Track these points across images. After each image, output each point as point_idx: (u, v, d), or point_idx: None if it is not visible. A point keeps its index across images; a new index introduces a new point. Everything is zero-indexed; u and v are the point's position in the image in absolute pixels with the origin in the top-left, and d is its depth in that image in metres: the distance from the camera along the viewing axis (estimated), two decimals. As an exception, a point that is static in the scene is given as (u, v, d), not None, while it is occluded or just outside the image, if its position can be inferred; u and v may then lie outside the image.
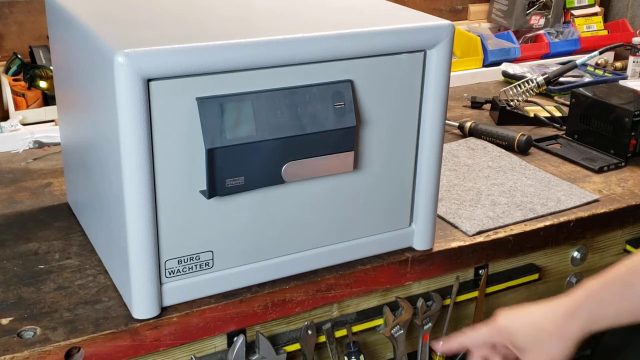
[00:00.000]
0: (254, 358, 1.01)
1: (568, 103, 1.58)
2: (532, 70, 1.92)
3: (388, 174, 1.03)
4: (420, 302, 1.13)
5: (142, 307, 0.91)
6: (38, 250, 1.08)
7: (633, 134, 1.42)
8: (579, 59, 1.78)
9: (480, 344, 0.94)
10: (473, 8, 2.19)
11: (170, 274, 0.92)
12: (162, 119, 0.85)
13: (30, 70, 1.56)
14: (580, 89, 1.54)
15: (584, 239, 1.29)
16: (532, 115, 1.64)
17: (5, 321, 0.91)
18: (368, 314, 1.11)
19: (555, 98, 1.80)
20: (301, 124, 0.91)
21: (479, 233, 1.16)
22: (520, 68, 1.94)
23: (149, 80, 0.82)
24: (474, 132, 1.55)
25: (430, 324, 1.15)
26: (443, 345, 0.97)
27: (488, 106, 1.73)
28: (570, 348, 0.87)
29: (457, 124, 1.58)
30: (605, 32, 2.19)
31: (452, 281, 1.17)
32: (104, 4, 1.03)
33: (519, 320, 0.90)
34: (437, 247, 1.11)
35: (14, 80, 1.58)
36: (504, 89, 1.74)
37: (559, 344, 0.86)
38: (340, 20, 0.99)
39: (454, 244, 1.12)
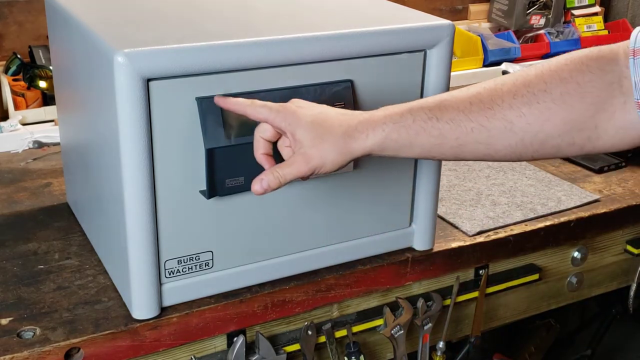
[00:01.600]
0: (253, 358, 1.01)
1: (568, 103, 1.58)
2: (532, 70, 1.91)
3: (388, 174, 1.03)
4: (420, 303, 1.13)
5: (141, 307, 0.91)
6: (38, 250, 1.07)
7: (633, 134, 1.41)
8: (579, 58, 1.77)
9: (262, 118, 0.83)
10: (473, 8, 2.19)
11: (170, 274, 0.92)
12: (162, 119, 0.85)
13: (29, 70, 1.56)
14: (581, 88, 1.54)
15: (584, 239, 1.29)
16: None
17: (4, 321, 0.91)
18: (368, 314, 1.11)
19: (556, 98, 1.80)
20: (301, 124, 0.91)
21: (479, 233, 1.16)
22: (520, 68, 1.94)
23: (149, 80, 0.82)
24: (474, 132, 1.54)
25: (430, 324, 1.15)
26: (220, 99, 0.85)
27: (488, 106, 1.72)
28: (347, 162, 0.81)
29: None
30: (605, 32, 2.19)
31: (453, 281, 1.17)
32: (104, 4, 1.03)
33: (308, 113, 0.82)
34: (438, 247, 1.11)
35: (14, 80, 1.58)
36: (504, 88, 1.73)
37: (337, 154, 0.80)
38: (340, 20, 0.99)
39: (454, 244, 1.12)
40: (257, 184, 0.82)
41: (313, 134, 0.81)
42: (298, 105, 0.84)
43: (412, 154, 0.82)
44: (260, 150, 0.85)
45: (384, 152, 0.82)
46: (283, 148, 0.85)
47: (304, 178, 0.83)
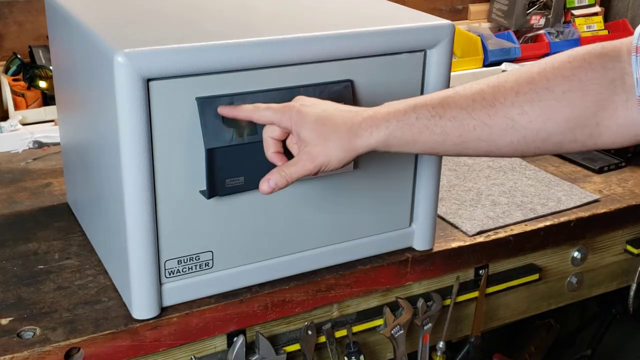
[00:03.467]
0: (253, 358, 1.01)
1: (568, 103, 1.58)
2: (532, 70, 1.91)
3: (388, 174, 1.03)
4: (420, 303, 1.13)
5: (141, 307, 0.91)
6: (38, 250, 1.07)
7: (633, 134, 1.41)
8: (579, 58, 1.77)
9: (266, 121, 0.84)
10: (473, 8, 2.19)
11: (170, 274, 0.92)
12: (162, 119, 0.85)
13: (29, 70, 1.56)
14: (581, 88, 1.54)
15: (584, 239, 1.29)
16: (532, 115, 1.64)
17: (4, 321, 0.91)
18: (368, 314, 1.11)
19: (556, 98, 1.80)
20: (301, 124, 0.91)
21: (479, 233, 1.16)
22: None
23: (149, 80, 0.82)
24: (474, 132, 1.54)
25: (430, 324, 1.15)
26: (224, 108, 0.86)
27: (488, 106, 1.72)
28: (351, 159, 0.82)
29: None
30: (605, 32, 2.19)
31: (453, 281, 1.17)
32: (104, 4, 1.03)
33: (312, 111, 0.82)
34: (438, 247, 1.11)
35: (14, 80, 1.58)
36: (504, 88, 1.73)
37: (342, 151, 0.81)
38: (340, 20, 0.99)
39: (454, 244, 1.12)
40: (264, 184, 0.84)
41: (317, 132, 0.81)
42: (302, 103, 0.84)
43: (415, 150, 0.83)
44: (271, 149, 0.86)
45: (388, 149, 0.82)
46: (292, 145, 0.86)
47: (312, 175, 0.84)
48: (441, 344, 1.18)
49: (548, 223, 1.20)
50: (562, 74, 0.76)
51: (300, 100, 0.85)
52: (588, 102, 0.76)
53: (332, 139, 0.81)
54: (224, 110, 0.86)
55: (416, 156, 1.03)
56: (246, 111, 0.85)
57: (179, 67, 0.83)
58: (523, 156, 0.82)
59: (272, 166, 0.91)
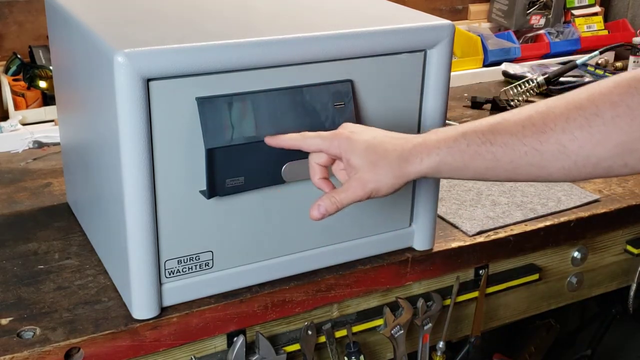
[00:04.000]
0: (253, 358, 1.01)
1: (568, 103, 1.58)
2: (533, 70, 1.92)
3: (388, 174, 1.03)
4: (420, 303, 1.13)
5: (141, 307, 0.91)
6: (38, 250, 1.07)
7: (633, 134, 1.41)
8: (580, 58, 1.78)
9: (316, 149, 0.86)
10: (473, 8, 2.19)
11: (170, 274, 0.92)
12: (162, 119, 0.85)
13: (29, 70, 1.56)
14: (581, 88, 1.54)
15: (584, 239, 1.29)
16: (532, 115, 1.64)
17: (4, 321, 0.91)
18: (368, 314, 1.11)
19: (556, 98, 1.80)
20: (301, 123, 0.91)
21: (479, 233, 1.16)
22: (520, 68, 1.94)
23: (149, 80, 0.82)
24: (474, 132, 1.54)
25: (430, 324, 1.15)
26: (271, 139, 0.88)
27: (488, 106, 1.72)
28: (402, 186, 0.83)
29: (458, 124, 1.57)
30: (605, 32, 2.19)
31: (453, 281, 1.17)
32: (104, 4, 1.03)
33: (362, 138, 0.84)
34: (438, 247, 1.11)
35: (14, 80, 1.58)
36: (505, 88, 1.73)
37: (393, 177, 0.82)
38: (340, 20, 0.99)
39: (454, 244, 1.12)
40: (314, 210, 0.85)
41: (368, 159, 0.83)
42: (351, 130, 0.85)
43: (465, 176, 0.83)
44: (318, 176, 0.88)
45: (438, 175, 0.83)
46: (338, 172, 0.88)
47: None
48: (441, 344, 1.18)
49: (548, 223, 1.20)
50: (610, 99, 0.77)
51: (348, 128, 0.86)
52: (636, 126, 0.76)
53: (382, 165, 0.82)
54: (271, 140, 0.88)
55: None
56: (294, 140, 0.87)
57: (179, 67, 0.83)
58: (574, 181, 0.83)
59: (273, 166, 0.91)
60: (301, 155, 0.92)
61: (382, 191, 0.83)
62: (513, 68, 1.93)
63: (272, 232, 0.97)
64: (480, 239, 1.15)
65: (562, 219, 1.21)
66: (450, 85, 1.02)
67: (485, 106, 1.74)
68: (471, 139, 0.81)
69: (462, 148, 0.81)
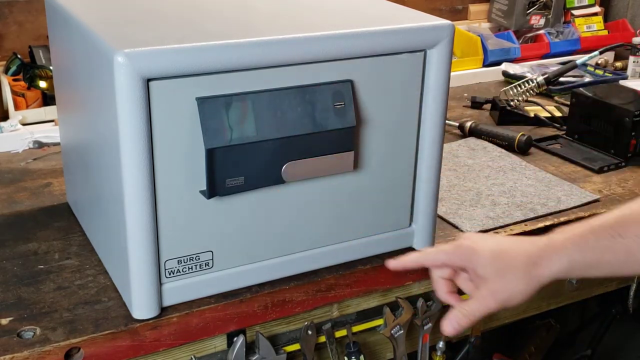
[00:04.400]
0: (253, 358, 1.01)
1: (568, 103, 1.58)
2: (533, 70, 1.92)
3: (388, 174, 1.03)
4: (420, 303, 1.13)
5: (141, 307, 0.91)
6: (38, 250, 1.08)
7: (633, 134, 1.42)
8: (579, 58, 1.78)
9: (440, 264, 0.87)
10: (473, 8, 2.19)
11: (170, 274, 0.92)
12: (162, 119, 0.85)
13: (30, 70, 1.56)
14: (581, 89, 1.54)
15: (584, 239, 1.29)
16: (532, 115, 1.64)
17: (5, 321, 0.91)
18: (368, 314, 1.11)
19: (556, 98, 1.80)
20: (301, 123, 0.91)
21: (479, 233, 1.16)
22: (520, 68, 1.94)
23: (149, 80, 0.82)
24: (474, 132, 1.55)
25: (430, 324, 1.15)
26: (395, 262, 0.89)
27: (488, 106, 1.73)
28: (535, 291, 0.81)
29: (457, 124, 1.58)
30: (605, 32, 2.19)
31: (452, 281, 1.17)
32: (104, 4, 1.03)
33: (486, 247, 0.83)
34: (437, 247, 1.11)
35: (14, 80, 1.58)
36: (504, 89, 1.73)
37: (524, 284, 0.80)
38: (340, 20, 0.99)
39: (454, 244, 1.12)
40: (448, 325, 0.83)
41: (495, 267, 0.81)
42: (472, 240, 0.85)
43: (598, 273, 0.81)
44: (444, 290, 0.88)
45: (569, 275, 0.82)
46: (463, 283, 0.87)
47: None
48: (441, 344, 1.18)
49: (548, 223, 1.20)
50: None
51: (469, 238, 0.85)
52: None
53: (511, 272, 0.81)
54: (393, 264, 0.89)
55: (416, 155, 1.04)
56: (416, 260, 0.87)
57: (179, 67, 0.83)
58: None
59: (273, 166, 0.91)
60: (301, 155, 0.92)
61: (514, 300, 0.81)
62: (513, 68, 1.93)
63: (272, 232, 0.97)
64: (480, 239, 1.15)
65: (562, 219, 1.21)
66: (450, 85, 1.02)
67: (485, 106, 1.74)
68: (599, 234, 0.79)
69: (591, 245, 0.79)
